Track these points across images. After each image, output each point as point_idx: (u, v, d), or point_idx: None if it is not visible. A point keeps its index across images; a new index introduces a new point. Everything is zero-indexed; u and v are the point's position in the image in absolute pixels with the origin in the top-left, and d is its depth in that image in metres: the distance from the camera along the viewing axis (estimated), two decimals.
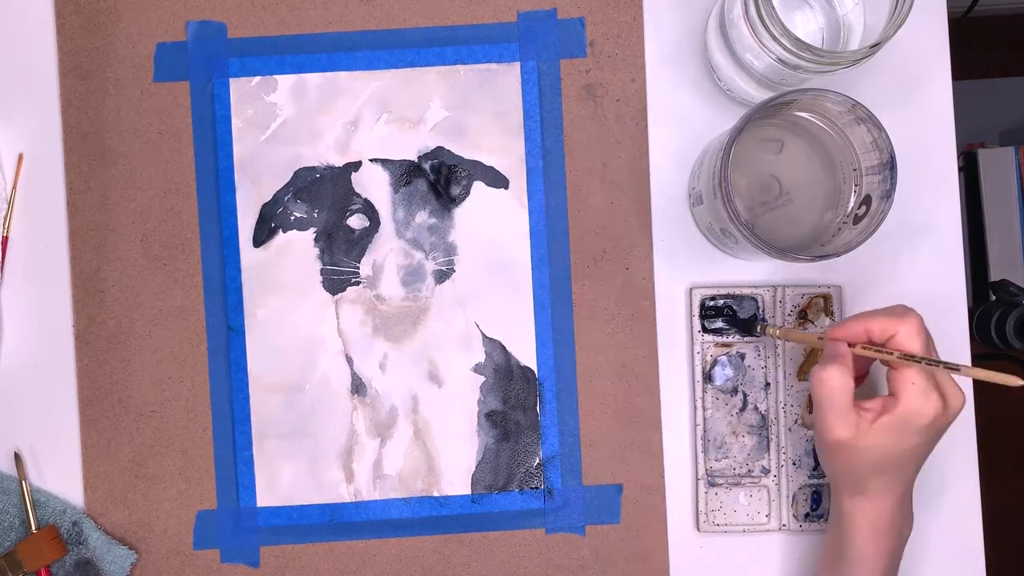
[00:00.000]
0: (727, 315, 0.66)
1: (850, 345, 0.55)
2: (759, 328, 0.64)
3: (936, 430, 0.54)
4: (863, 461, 0.55)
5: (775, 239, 0.56)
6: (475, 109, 0.67)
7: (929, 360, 0.53)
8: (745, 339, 0.66)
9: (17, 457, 0.65)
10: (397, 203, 0.66)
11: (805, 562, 0.67)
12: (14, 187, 0.66)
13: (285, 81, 0.67)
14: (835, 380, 0.54)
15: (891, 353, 0.54)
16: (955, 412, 0.54)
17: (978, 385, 0.67)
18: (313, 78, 0.67)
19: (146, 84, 0.66)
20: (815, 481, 0.66)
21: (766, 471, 0.66)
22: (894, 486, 0.56)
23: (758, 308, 0.66)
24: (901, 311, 0.55)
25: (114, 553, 0.65)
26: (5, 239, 0.66)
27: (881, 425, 0.54)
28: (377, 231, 0.66)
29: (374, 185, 0.66)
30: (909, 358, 0.53)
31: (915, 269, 0.67)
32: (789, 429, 0.66)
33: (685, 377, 0.67)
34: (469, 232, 0.66)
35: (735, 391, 0.66)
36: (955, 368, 0.52)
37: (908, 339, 0.54)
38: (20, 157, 0.66)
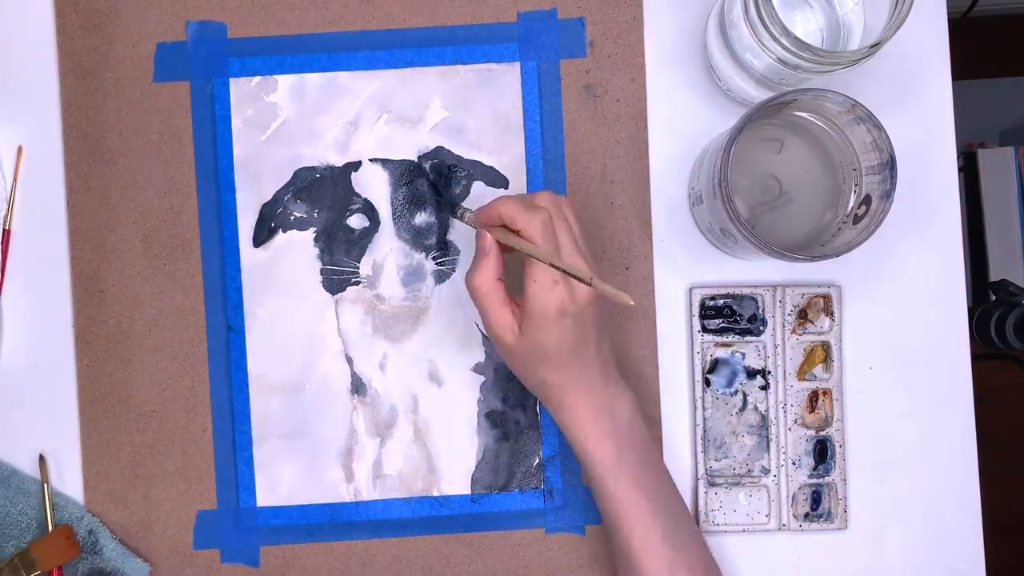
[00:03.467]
0: (727, 315, 0.66)
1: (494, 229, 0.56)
2: (459, 213, 0.61)
3: (574, 316, 0.55)
4: (526, 360, 0.56)
5: (775, 239, 0.56)
6: (475, 109, 0.67)
7: (548, 257, 0.53)
8: (745, 339, 0.66)
9: (42, 459, 0.65)
10: (397, 203, 0.66)
11: (805, 562, 0.67)
12: (15, 179, 0.66)
13: (285, 81, 0.67)
14: (480, 284, 0.55)
15: (525, 246, 0.54)
16: (584, 302, 0.55)
17: (978, 385, 0.68)
18: (313, 78, 0.67)
19: (146, 84, 0.66)
20: (815, 481, 0.66)
21: (766, 471, 0.66)
22: (566, 375, 0.57)
23: (758, 308, 0.66)
24: (529, 204, 0.55)
25: (129, 565, 0.65)
26: (7, 232, 0.66)
27: (525, 322, 0.55)
28: (377, 231, 0.66)
29: (374, 185, 0.66)
30: (534, 256, 0.54)
31: (915, 269, 0.67)
32: (789, 429, 0.66)
33: (685, 377, 0.67)
34: (469, 232, 0.66)
35: (735, 391, 0.66)
36: (576, 278, 0.53)
37: (529, 236, 0.54)
38: (19, 149, 0.66)
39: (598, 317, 0.57)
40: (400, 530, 0.66)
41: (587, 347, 0.57)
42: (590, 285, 0.53)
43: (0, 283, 0.66)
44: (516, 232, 0.55)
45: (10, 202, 0.66)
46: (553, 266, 0.53)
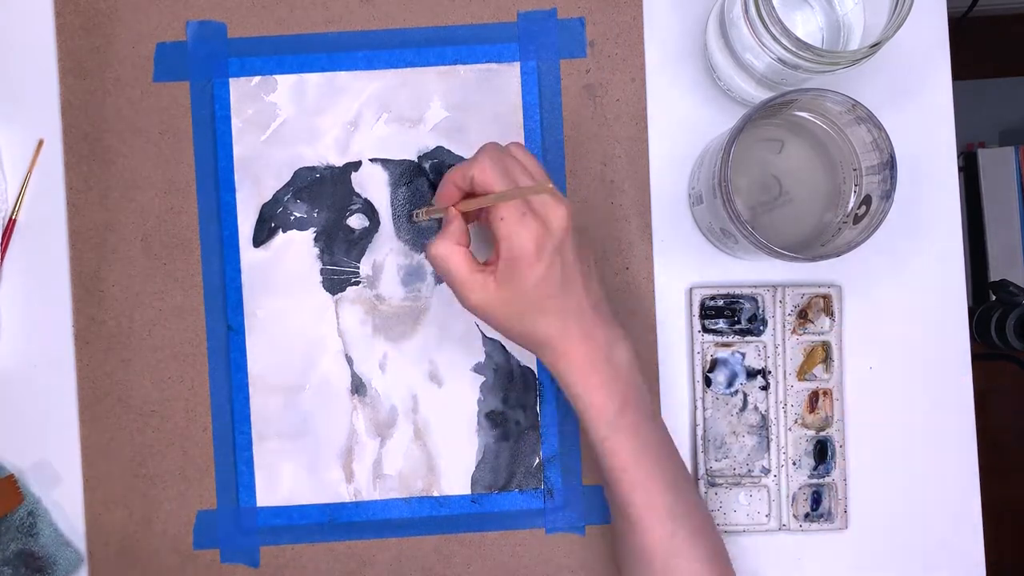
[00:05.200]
0: (727, 315, 0.66)
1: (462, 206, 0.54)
2: (415, 216, 0.60)
3: (552, 250, 0.52)
4: (510, 313, 0.54)
5: (775, 239, 0.56)
6: (475, 109, 0.67)
7: (505, 195, 0.51)
8: (745, 339, 0.66)
9: None
10: (397, 203, 0.66)
11: (805, 562, 0.67)
12: (29, 171, 0.66)
13: (285, 81, 0.67)
14: (439, 251, 0.54)
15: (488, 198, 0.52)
16: (560, 228, 0.52)
17: (978, 389, 0.68)
18: (313, 78, 0.67)
19: (146, 84, 0.66)
20: (815, 481, 0.66)
21: (766, 471, 0.66)
22: (558, 320, 0.54)
23: (758, 308, 0.66)
24: (475, 155, 0.54)
25: (62, 553, 0.65)
26: (12, 221, 0.66)
27: (501, 272, 0.52)
28: (377, 231, 0.66)
29: (374, 185, 0.66)
30: (493, 198, 0.52)
31: (915, 269, 0.67)
32: (789, 429, 0.66)
33: (685, 377, 0.67)
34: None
35: (735, 391, 0.66)
36: (534, 191, 0.51)
37: (482, 177, 0.53)
38: (40, 142, 0.66)
39: (579, 248, 0.54)
40: (400, 530, 0.66)
41: (574, 284, 0.54)
42: (550, 192, 0.51)
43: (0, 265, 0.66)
44: (473, 194, 0.54)
45: (21, 192, 0.66)
46: (514, 198, 0.52)
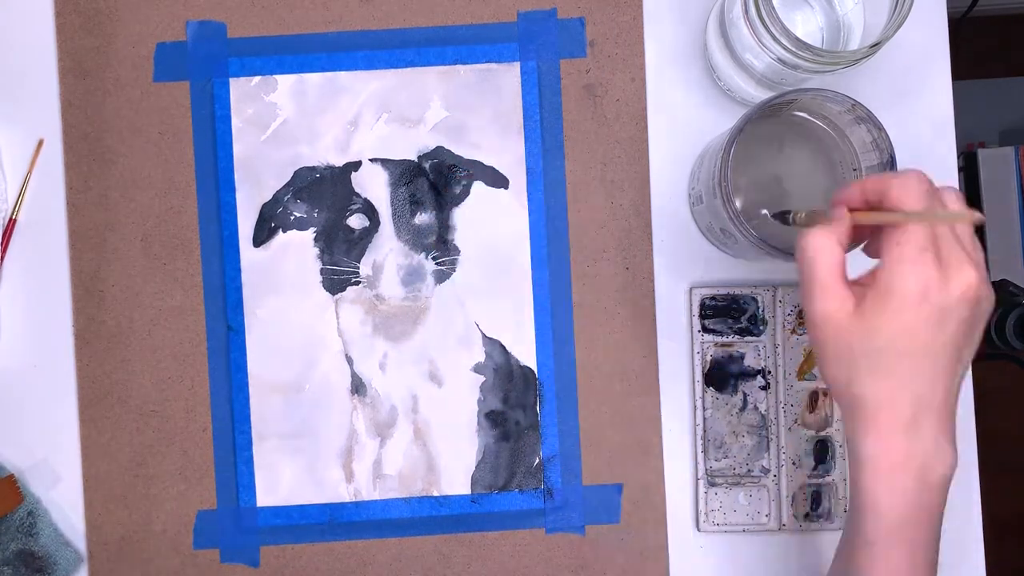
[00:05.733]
0: (727, 315, 0.66)
1: (852, 211, 0.46)
2: (792, 218, 0.52)
3: (938, 307, 0.43)
4: (853, 347, 0.44)
5: (775, 239, 0.56)
6: (475, 109, 0.67)
7: (920, 216, 0.42)
8: (745, 339, 0.66)
9: None
10: (397, 203, 0.66)
11: (805, 562, 0.67)
12: (29, 171, 0.66)
13: (285, 81, 0.67)
14: (817, 242, 0.45)
15: (890, 215, 0.44)
16: (959, 289, 0.43)
17: (978, 389, 0.67)
18: (313, 78, 0.67)
19: (146, 84, 0.66)
20: (815, 481, 0.66)
21: (766, 471, 0.66)
22: (900, 390, 0.44)
23: (758, 308, 0.66)
24: (901, 171, 0.45)
25: (61, 553, 0.64)
26: (12, 221, 0.66)
27: (869, 299, 0.43)
28: (377, 231, 0.66)
29: (374, 185, 0.66)
30: (905, 215, 0.43)
31: None
32: (789, 429, 0.66)
33: (685, 377, 0.67)
34: (469, 232, 0.66)
35: (735, 391, 0.66)
36: (957, 216, 0.43)
37: (903, 193, 0.43)
38: (40, 142, 0.66)
39: (969, 330, 0.45)
40: (400, 530, 0.66)
41: (938, 364, 0.44)
42: (980, 224, 0.43)
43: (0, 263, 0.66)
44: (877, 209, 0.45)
45: (21, 192, 0.66)
46: (932, 221, 0.42)
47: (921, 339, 0.43)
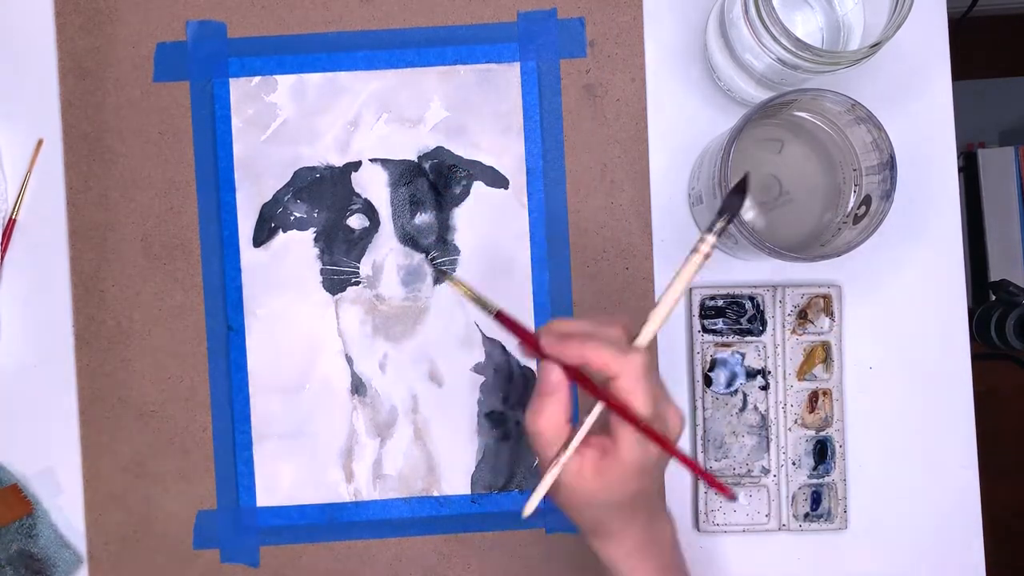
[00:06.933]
0: (727, 315, 0.66)
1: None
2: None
3: (656, 468, 0.48)
4: (592, 504, 0.48)
5: (775, 239, 0.56)
6: (475, 109, 0.67)
7: (647, 429, 0.45)
8: (745, 339, 0.66)
9: None
10: (397, 203, 0.66)
11: (805, 562, 0.67)
12: (29, 170, 0.66)
13: (285, 81, 0.67)
14: (543, 426, 0.46)
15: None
16: (676, 442, 0.48)
17: (978, 389, 0.68)
18: (313, 78, 0.67)
19: (146, 84, 0.66)
20: (815, 481, 0.66)
21: (766, 471, 0.66)
22: (634, 520, 0.49)
23: (758, 308, 0.66)
24: (621, 347, 0.46)
25: (61, 555, 0.65)
26: (12, 221, 0.66)
27: (601, 470, 0.46)
28: (377, 231, 0.66)
29: (374, 185, 0.66)
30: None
31: (915, 269, 0.67)
32: (789, 429, 0.66)
33: (685, 377, 0.67)
34: (469, 232, 0.66)
35: (735, 391, 0.66)
36: (663, 441, 0.46)
37: (629, 384, 0.45)
38: (40, 142, 0.66)
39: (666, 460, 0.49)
40: (400, 530, 0.66)
41: (654, 493, 0.50)
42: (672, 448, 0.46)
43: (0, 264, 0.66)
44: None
45: (21, 192, 0.66)
46: (646, 431, 0.45)
47: (645, 491, 0.49)
